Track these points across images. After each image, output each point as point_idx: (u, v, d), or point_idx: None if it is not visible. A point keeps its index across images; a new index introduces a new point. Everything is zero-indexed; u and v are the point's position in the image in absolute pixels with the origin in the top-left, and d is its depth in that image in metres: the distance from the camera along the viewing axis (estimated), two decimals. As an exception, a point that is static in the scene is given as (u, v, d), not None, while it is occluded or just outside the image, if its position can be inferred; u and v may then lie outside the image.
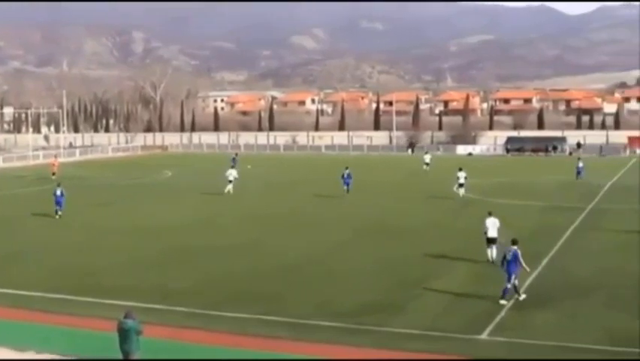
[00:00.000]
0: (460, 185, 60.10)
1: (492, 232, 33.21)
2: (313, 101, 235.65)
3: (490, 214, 34.08)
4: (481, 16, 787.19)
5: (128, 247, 37.42)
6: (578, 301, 26.15)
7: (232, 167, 73.25)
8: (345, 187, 61.79)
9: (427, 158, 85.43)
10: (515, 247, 26.60)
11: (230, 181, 62.99)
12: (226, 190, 62.01)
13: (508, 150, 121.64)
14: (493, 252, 32.93)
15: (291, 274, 31.05)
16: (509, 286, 26.15)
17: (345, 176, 62.50)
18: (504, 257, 26.64)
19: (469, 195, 58.15)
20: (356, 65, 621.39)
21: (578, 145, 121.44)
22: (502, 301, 25.79)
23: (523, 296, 26.21)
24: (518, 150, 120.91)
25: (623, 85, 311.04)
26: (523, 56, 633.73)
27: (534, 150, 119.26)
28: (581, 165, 72.48)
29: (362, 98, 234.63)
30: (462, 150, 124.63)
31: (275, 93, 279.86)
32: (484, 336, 22.25)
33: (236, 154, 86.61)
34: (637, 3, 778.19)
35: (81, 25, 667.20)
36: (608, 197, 57.35)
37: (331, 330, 23.05)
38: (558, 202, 53.76)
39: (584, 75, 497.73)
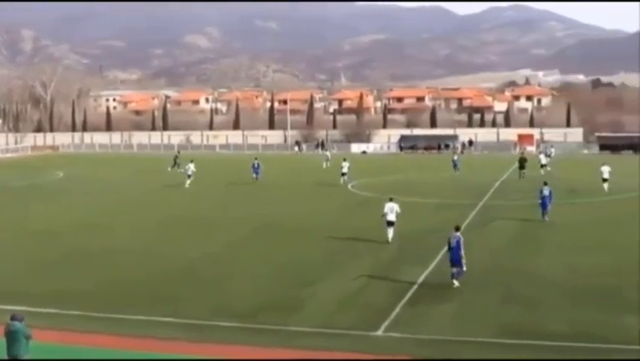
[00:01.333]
0: (343, 174, 66.56)
1: (390, 216, 36.67)
2: (207, 100, 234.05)
3: (390, 200, 37.67)
4: (375, 17, 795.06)
5: (20, 250, 36.52)
6: (473, 295, 26.63)
7: (173, 166, 74.96)
8: (255, 176, 67.41)
9: (329, 154, 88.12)
10: (458, 234, 28.15)
11: (189, 176, 65.15)
12: (187, 185, 64.40)
13: (401, 148, 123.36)
14: (390, 234, 36.55)
15: (189, 275, 30.72)
16: (464, 269, 27.65)
17: (256, 166, 68.26)
18: (448, 243, 28.11)
19: (365, 194, 58.81)
20: (250, 65, 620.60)
21: (470, 143, 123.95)
22: (457, 283, 27.48)
23: (456, 285, 27.42)
24: (411, 147, 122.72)
25: (512, 84, 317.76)
26: (416, 56, 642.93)
27: (427, 148, 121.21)
28: (456, 157, 78.59)
29: (256, 97, 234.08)
30: (356, 148, 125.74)
31: (168, 92, 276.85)
32: (379, 332, 22.45)
33: (179, 152, 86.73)
34: (524, 3, 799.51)
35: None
36: (498, 193, 58.60)
37: (229, 330, 22.94)
38: (451, 199, 54.66)
39: (474, 74, 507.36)
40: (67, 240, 39.16)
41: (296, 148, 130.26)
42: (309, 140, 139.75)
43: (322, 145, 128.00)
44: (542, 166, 75.54)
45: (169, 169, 78.72)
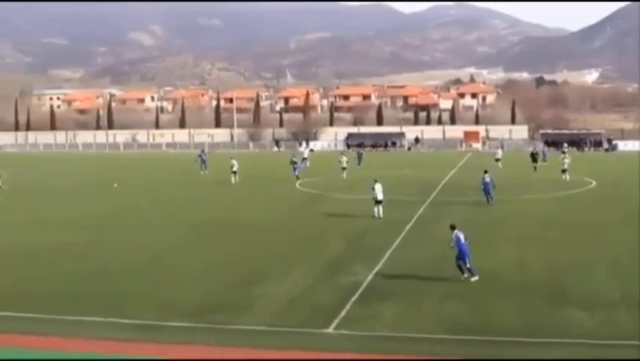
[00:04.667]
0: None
1: (380, 195, 43.64)
2: (153, 98, 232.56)
3: (376, 181, 44.47)
4: (320, 14, 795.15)
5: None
6: (423, 291, 26.70)
7: (203, 167, 77.16)
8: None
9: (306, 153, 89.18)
10: (455, 231, 28.67)
11: (235, 172, 66.90)
12: (233, 181, 66.31)
13: (348, 146, 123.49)
14: (380, 210, 43.49)
15: (134, 275, 30.41)
16: (469, 265, 28.19)
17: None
18: (458, 240, 28.47)
19: (312, 191, 58.88)
20: (195, 63, 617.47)
21: (416, 140, 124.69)
22: (474, 278, 27.96)
23: (467, 276, 28.12)
24: (358, 145, 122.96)
25: (457, 81, 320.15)
26: (362, 53, 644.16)
27: (374, 146, 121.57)
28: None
29: (202, 95, 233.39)
30: (304, 146, 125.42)
31: (113, 91, 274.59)
32: (330, 330, 22.48)
33: (202, 151, 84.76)
34: (468, 3, 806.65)
35: None
36: (446, 190, 58.94)
37: (178, 330, 22.80)
38: (398, 196, 54.72)
39: (420, 72, 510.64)
40: (11, 239, 38.65)
41: (275, 148, 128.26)
42: (256, 138, 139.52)
43: (307, 143, 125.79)
44: (497, 160, 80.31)
45: (202, 172, 77.13)
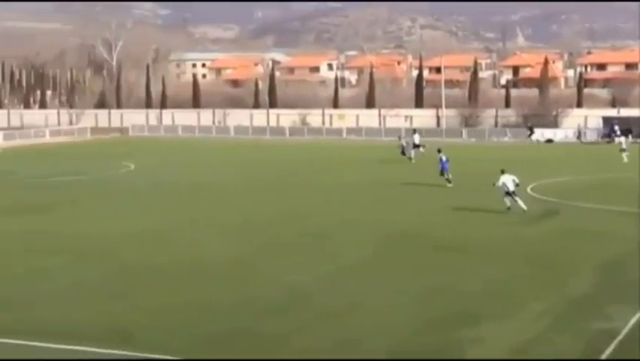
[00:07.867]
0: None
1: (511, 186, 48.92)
2: (330, 66, 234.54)
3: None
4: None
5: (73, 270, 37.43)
6: None
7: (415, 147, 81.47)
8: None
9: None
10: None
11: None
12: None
13: (608, 135, 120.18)
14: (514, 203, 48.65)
15: (301, 304, 30.99)
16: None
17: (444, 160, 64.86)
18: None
19: (550, 199, 58.32)
20: (390, 18, 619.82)
21: None
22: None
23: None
24: (620, 134, 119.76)
25: None
26: (626, 5, 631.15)
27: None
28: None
29: (398, 63, 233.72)
30: (539, 135, 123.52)
31: (277, 56, 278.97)
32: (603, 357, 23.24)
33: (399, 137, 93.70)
34: None
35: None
36: None
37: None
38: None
39: None
40: (120, 255, 40.15)
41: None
42: (470, 123, 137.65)
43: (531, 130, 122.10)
44: None
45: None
